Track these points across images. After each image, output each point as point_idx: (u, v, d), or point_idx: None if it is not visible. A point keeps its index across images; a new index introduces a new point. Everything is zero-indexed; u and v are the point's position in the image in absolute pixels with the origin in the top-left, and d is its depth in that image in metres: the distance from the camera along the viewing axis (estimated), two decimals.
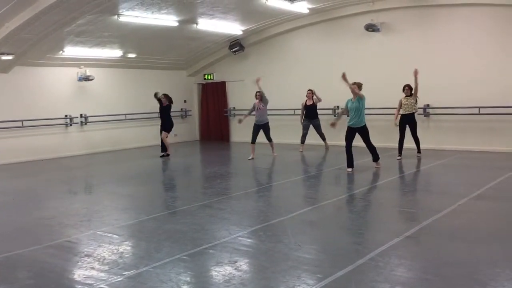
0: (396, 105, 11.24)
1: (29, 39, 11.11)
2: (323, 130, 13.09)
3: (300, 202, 7.49)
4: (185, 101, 17.42)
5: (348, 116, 9.74)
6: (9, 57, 11.58)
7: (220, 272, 4.39)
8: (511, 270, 4.26)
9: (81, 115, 14.14)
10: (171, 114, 13.17)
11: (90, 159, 13.27)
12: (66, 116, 13.79)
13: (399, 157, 11.11)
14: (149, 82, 15.79)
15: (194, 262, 4.69)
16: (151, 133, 15.28)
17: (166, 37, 13.74)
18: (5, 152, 12.41)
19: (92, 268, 4.59)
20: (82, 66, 13.90)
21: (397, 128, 11.15)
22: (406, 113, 11.03)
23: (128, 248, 5.28)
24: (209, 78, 17.14)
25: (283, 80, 15.10)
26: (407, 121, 11.06)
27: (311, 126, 13.21)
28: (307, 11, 13.30)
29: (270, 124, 12.23)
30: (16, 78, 12.62)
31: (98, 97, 14.51)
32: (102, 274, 4.42)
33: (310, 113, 13.15)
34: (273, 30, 15.03)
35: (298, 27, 14.65)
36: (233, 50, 15.58)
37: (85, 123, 14.25)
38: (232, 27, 14.27)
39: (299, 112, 13.47)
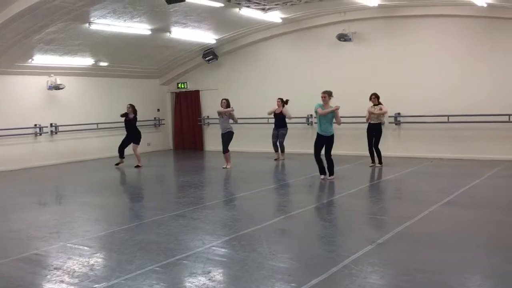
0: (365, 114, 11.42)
1: None
2: (297, 141, 13.17)
3: (273, 211, 7.49)
4: (158, 110, 17.28)
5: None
6: None
7: (193, 283, 4.34)
8: (481, 276, 4.35)
9: (51, 125, 13.85)
10: (138, 124, 13.01)
11: (60, 169, 12.99)
12: (35, 125, 13.48)
13: (371, 164, 11.28)
14: (121, 91, 15.63)
15: (167, 274, 4.62)
16: None
17: (139, 45, 13.63)
18: None
19: (62, 282, 4.47)
20: (52, 75, 13.64)
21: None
22: (372, 122, 11.21)
23: (99, 260, 5.17)
24: (182, 87, 17.06)
25: (257, 89, 15.17)
26: (373, 130, 11.22)
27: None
28: (280, 20, 13.41)
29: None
30: None
31: (69, 106, 14.25)
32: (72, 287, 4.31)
33: (278, 122, 13.22)
34: (247, 39, 15.10)
35: (271, 37, 14.77)
36: (206, 59, 15.56)
37: (55, 133, 13.97)
38: (206, 36, 14.27)
39: (273, 120, 13.49)
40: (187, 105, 17.23)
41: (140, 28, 12.25)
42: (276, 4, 11.98)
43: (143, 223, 6.60)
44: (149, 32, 12.58)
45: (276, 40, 14.82)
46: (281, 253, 5.10)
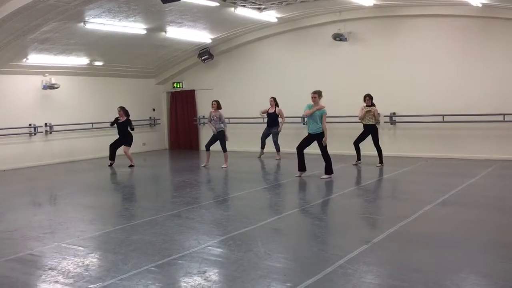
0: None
1: None
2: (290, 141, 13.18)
3: (269, 210, 7.49)
4: (153, 110, 17.25)
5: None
6: None
7: (189, 282, 4.33)
8: (476, 275, 4.36)
9: (45, 124, 13.79)
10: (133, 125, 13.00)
11: (55, 169, 12.93)
12: (30, 125, 13.42)
13: (356, 162, 11.31)
14: (117, 91, 15.58)
15: (162, 273, 4.60)
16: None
17: (134, 45, 13.59)
18: None
19: (56, 282, 4.45)
20: (47, 74, 13.58)
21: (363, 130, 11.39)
22: (367, 123, 11.23)
23: (94, 260, 5.15)
24: (178, 86, 17.03)
25: (252, 89, 15.16)
26: (369, 131, 11.24)
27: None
28: (275, 20, 13.42)
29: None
30: None
31: (64, 105, 14.19)
32: None
33: (270, 121, 13.24)
34: (242, 39, 15.09)
35: (267, 36, 14.77)
36: (202, 58, 15.54)
37: (50, 132, 13.90)
38: (201, 36, 14.25)
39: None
40: (182, 105, 17.20)
41: (135, 27, 12.22)
42: (271, 4, 11.99)
43: (138, 223, 6.57)
44: (144, 32, 12.55)
45: (271, 39, 14.82)
46: (276, 252, 5.09)
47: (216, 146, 12.01)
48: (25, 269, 4.89)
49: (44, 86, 13.59)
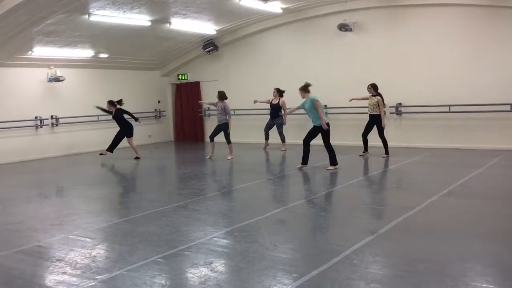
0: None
1: None
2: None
3: (274, 201, 7.50)
4: (159, 102, 17.26)
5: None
6: None
7: (195, 273, 4.35)
8: (482, 266, 4.35)
9: (51, 117, 13.84)
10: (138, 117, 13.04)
11: (61, 161, 13.00)
12: (36, 117, 13.47)
13: (362, 154, 11.28)
14: (122, 83, 15.60)
15: (169, 265, 4.63)
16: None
17: (139, 37, 13.57)
18: None
19: (64, 273, 4.49)
20: (52, 67, 13.60)
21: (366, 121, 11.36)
22: (371, 113, 11.15)
23: (101, 251, 5.18)
24: (183, 78, 17.02)
25: (257, 80, 15.12)
26: (374, 122, 11.16)
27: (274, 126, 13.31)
28: (280, 11, 13.34)
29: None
30: None
31: (70, 98, 14.22)
32: (74, 279, 4.32)
33: (272, 112, 13.23)
34: (247, 30, 15.03)
35: (272, 27, 14.69)
36: (207, 50, 15.50)
37: (56, 125, 13.96)
38: (206, 27, 14.20)
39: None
40: (187, 97, 17.19)
41: (140, 19, 12.19)
42: None
43: (145, 215, 6.60)
44: (149, 23, 12.52)
45: (276, 30, 14.74)
46: (282, 243, 5.10)
47: (221, 137, 12.01)
48: (33, 261, 4.93)
49: (49, 78, 13.62)
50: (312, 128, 9.77)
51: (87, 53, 13.85)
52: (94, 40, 13.12)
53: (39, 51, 12.55)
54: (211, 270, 4.41)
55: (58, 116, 13.92)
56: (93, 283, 4.20)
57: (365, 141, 11.36)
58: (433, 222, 5.80)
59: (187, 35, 14.54)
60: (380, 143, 11.20)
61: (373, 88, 11.10)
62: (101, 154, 12.88)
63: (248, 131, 14.96)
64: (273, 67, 14.84)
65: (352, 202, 7.26)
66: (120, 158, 12.83)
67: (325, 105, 13.82)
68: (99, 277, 4.34)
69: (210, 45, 15.36)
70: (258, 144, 13.95)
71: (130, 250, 5.05)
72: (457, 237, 5.18)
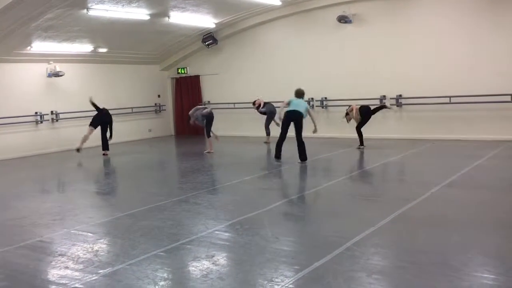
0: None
1: None
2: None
3: (275, 195, 7.50)
4: (159, 96, 17.24)
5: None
6: None
7: (197, 267, 4.37)
8: (483, 256, 4.36)
9: (51, 112, 13.84)
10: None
11: (62, 156, 13.00)
12: (36, 113, 13.47)
13: (360, 147, 11.33)
14: (121, 77, 15.58)
15: (171, 258, 4.64)
16: (125, 129, 15.09)
17: (138, 31, 13.53)
18: None
19: (66, 268, 4.50)
20: (51, 62, 13.58)
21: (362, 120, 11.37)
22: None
23: (103, 246, 5.20)
24: (183, 72, 16.99)
25: (257, 73, 15.09)
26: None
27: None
28: (280, 3, 13.29)
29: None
30: None
31: (69, 93, 14.21)
32: (77, 273, 4.33)
33: (263, 114, 13.26)
34: (247, 23, 14.97)
35: (271, 20, 14.64)
36: (206, 43, 15.46)
37: (56, 120, 13.96)
38: (205, 20, 14.15)
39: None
40: (187, 90, 17.16)
41: (139, 13, 12.15)
42: None
43: (146, 209, 6.61)
44: (147, 17, 12.48)
45: (275, 23, 14.69)
46: (283, 236, 5.12)
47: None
48: (35, 256, 4.94)
49: (49, 74, 13.60)
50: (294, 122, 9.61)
51: (86, 47, 13.81)
52: (93, 35, 13.08)
53: (38, 46, 12.52)
54: (213, 263, 4.43)
55: (58, 112, 13.90)
56: (95, 277, 4.21)
57: (360, 135, 11.37)
58: (434, 213, 5.80)
59: (186, 29, 14.49)
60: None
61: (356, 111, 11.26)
62: (104, 154, 12.72)
63: (246, 125, 14.92)
64: (273, 60, 14.80)
65: (352, 194, 7.27)
66: (122, 152, 12.83)
67: (325, 97, 13.84)
68: (101, 271, 4.35)
69: (209, 38, 15.32)
70: (258, 138, 13.89)
71: (132, 244, 5.06)
72: (458, 228, 5.19)
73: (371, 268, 4.14)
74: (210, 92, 16.51)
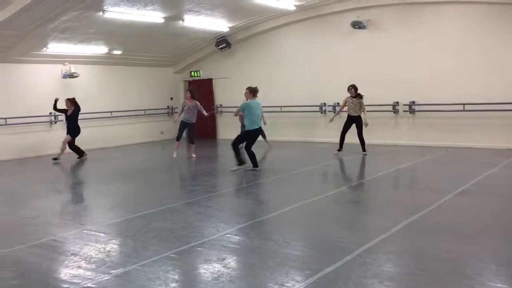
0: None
1: (12, 36, 10.96)
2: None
3: (287, 199, 7.48)
4: (171, 99, 17.33)
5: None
6: None
7: (208, 269, 4.38)
8: (496, 265, 4.32)
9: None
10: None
11: (75, 157, 13.09)
12: (50, 113, 13.60)
13: (337, 152, 11.26)
14: (135, 79, 15.70)
15: (182, 260, 4.66)
16: (137, 131, 15.19)
17: (152, 33, 13.63)
18: None
19: (79, 267, 4.54)
20: (66, 63, 13.72)
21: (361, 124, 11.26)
22: (353, 114, 11.16)
23: (115, 246, 5.24)
24: (195, 75, 17.06)
25: (270, 77, 15.08)
26: (353, 121, 11.19)
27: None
28: (294, 8, 13.31)
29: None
30: None
31: (83, 94, 14.26)
32: (89, 273, 4.37)
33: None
34: (260, 27, 15.01)
35: (284, 24, 14.66)
36: (219, 47, 15.52)
37: None
38: (219, 24, 14.21)
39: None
40: (200, 94, 17.16)
41: (153, 16, 12.24)
42: None
43: (158, 211, 6.65)
44: (162, 20, 12.57)
45: (289, 28, 14.71)
46: (295, 241, 5.11)
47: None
48: (48, 255, 4.99)
49: (63, 75, 13.73)
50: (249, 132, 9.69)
51: (101, 49, 13.95)
52: (108, 37, 13.21)
53: (54, 47, 12.67)
54: (224, 266, 4.43)
55: None
56: (107, 278, 4.25)
57: (342, 140, 11.34)
58: (447, 221, 5.75)
59: (200, 32, 14.57)
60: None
61: (354, 89, 11.09)
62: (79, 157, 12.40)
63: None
64: (286, 65, 14.80)
65: (365, 200, 7.24)
66: (134, 154, 12.91)
67: (337, 103, 13.80)
68: (113, 271, 4.38)
69: (222, 42, 15.38)
70: (263, 143, 13.86)
71: (143, 245, 5.09)
72: (471, 236, 5.14)
73: (382, 275, 4.12)
74: (223, 96, 16.55)
